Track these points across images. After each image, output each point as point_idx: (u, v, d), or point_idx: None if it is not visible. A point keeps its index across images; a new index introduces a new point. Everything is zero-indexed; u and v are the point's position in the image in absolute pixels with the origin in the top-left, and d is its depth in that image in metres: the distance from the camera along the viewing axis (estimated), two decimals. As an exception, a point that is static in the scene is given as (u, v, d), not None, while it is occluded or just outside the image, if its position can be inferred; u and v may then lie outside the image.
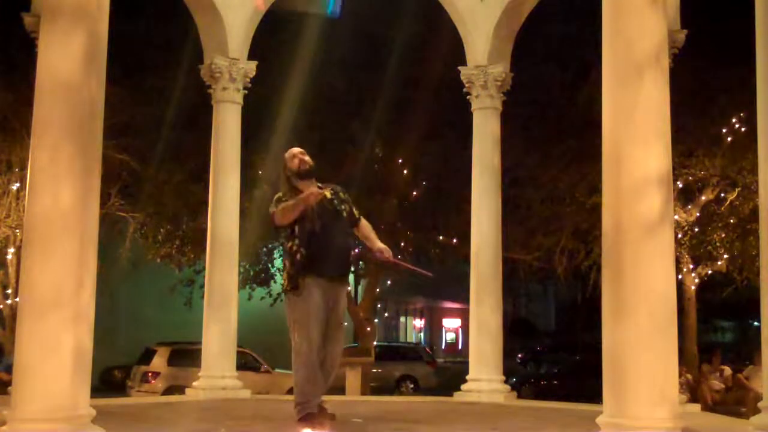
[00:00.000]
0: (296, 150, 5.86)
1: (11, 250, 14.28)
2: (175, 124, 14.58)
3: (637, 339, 4.34)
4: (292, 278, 5.65)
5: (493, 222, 8.55)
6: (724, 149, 15.01)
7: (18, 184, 13.50)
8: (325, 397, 6.04)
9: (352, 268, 5.59)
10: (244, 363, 14.61)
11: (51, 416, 4.13)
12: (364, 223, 5.98)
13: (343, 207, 5.80)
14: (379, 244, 5.83)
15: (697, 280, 16.80)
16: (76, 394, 4.21)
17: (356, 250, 5.39)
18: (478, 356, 8.43)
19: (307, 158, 5.79)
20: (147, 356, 16.89)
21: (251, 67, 8.64)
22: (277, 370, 17.12)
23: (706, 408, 12.32)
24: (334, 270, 5.68)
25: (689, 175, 15.25)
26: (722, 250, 16.01)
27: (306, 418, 5.59)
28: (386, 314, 36.56)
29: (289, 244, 5.69)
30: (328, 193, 5.76)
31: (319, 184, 5.77)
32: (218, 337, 8.30)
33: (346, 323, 5.99)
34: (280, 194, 5.79)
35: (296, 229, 5.64)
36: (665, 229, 4.44)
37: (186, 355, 15.03)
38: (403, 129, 15.46)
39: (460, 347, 37.62)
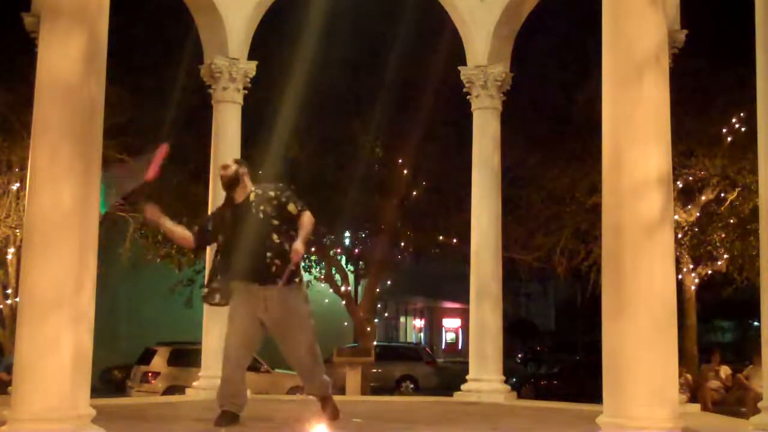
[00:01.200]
0: (220, 166, 5.95)
1: (11, 250, 14.28)
2: (175, 124, 14.58)
3: (637, 339, 4.34)
4: (206, 288, 5.81)
5: (493, 222, 8.55)
6: (724, 149, 15.01)
7: (18, 184, 13.50)
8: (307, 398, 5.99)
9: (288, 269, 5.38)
10: (244, 363, 14.57)
11: (51, 416, 4.12)
12: (302, 218, 5.69)
13: (261, 208, 5.65)
14: (296, 244, 5.54)
15: (697, 280, 16.80)
16: (76, 394, 4.21)
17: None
18: (478, 356, 8.43)
19: (225, 172, 5.80)
20: (147, 356, 16.88)
21: (251, 67, 8.64)
22: (277, 370, 17.12)
23: (706, 408, 12.32)
24: (248, 274, 5.60)
25: (689, 175, 15.25)
26: (722, 250, 16.02)
27: (217, 419, 5.75)
28: (386, 314, 36.54)
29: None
30: (252, 197, 5.73)
31: (254, 188, 5.77)
32: (218, 337, 8.27)
33: (305, 323, 5.80)
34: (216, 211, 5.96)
35: (219, 237, 5.77)
36: (665, 229, 4.44)
37: (186, 355, 15.02)
38: (403, 129, 15.46)
39: (460, 347, 37.57)
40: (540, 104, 15.56)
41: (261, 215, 5.61)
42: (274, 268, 5.51)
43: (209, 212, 5.97)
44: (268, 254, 5.53)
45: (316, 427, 5.50)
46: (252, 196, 5.71)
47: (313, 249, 17.45)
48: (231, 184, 5.76)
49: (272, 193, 5.72)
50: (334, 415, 5.82)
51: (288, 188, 5.91)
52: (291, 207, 5.69)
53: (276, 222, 5.61)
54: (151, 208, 5.74)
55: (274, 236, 5.57)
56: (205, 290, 5.80)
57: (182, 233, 5.85)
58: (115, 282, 16.32)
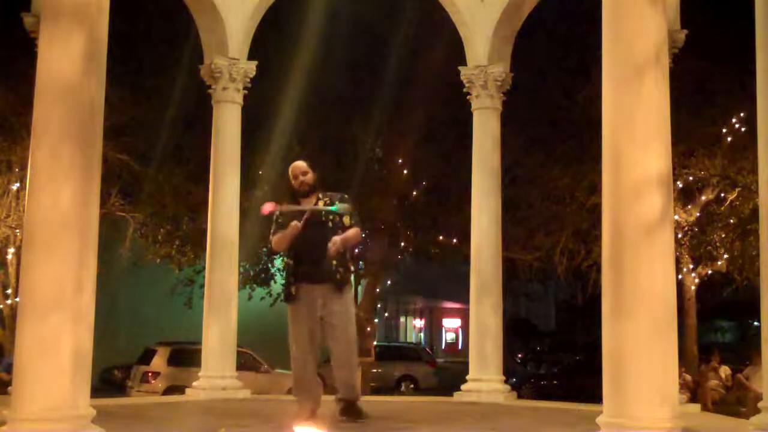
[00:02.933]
0: (299, 169, 6.09)
1: (11, 250, 14.29)
2: (175, 124, 14.58)
3: (637, 339, 4.34)
4: (285, 289, 6.08)
5: (493, 222, 8.55)
6: (724, 149, 15.02)
7: (18, 184, 13.51)
8: (324, 397, 6.11)
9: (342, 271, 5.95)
10: (244, 363, 14.57)
11: (51, 416, 4.12)
12: (351, 229, 6.06)
13: (330, 217, 6.00)
14: (335, 237, 5.89)
15: (697, 280, 16.81)
16: (76, 394, 4.21)
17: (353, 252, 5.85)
18: (478, 356, 8.43)
19: (306, 178, 6.05)
20: (147, 356, 16.86)
21: (251, 67, 8.64)
22: (277, 370, 17.10)
23: (706, 408, 12.33)
24: (319, 277, 5.91)
25: (689, 175, 15.25)
26: (722, 250, 16.02)
27: (294, 416, 5.86)
28: (386, 314, 36.54)
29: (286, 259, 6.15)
30: (321, 205, 6.02)
31: (320, 195, 6.07)
32: (218, 337, 8.30)
33: (353, 324, 6.17)
34: (278, 214, 6.06)
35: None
36: (665, 229, 4.44)
37: (186, 355, 15.00)
38: (403, 129, 15.47)
39: (460, 347, 37.59)
40: (540, 104, 15.55)
41: (330, 224, 5.99)
42: (338, 275, 5.95)
43: (276, 216, 6.09)
44: (334, 262, 5.93)
45: (315, 427, 5.52)
46: (321, 204, 6.04)
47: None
48: (311, 190, 6.05)
49: (339, 204, 6.04)
50: (358, 414, 6.06)
51: (350, 201, 6.18)
52: (346, 219, 6.06)
53: (340, 231, 5.99)
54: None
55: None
56: (287, 291, 6.03)
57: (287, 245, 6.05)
58: (115, 282, 16.30)
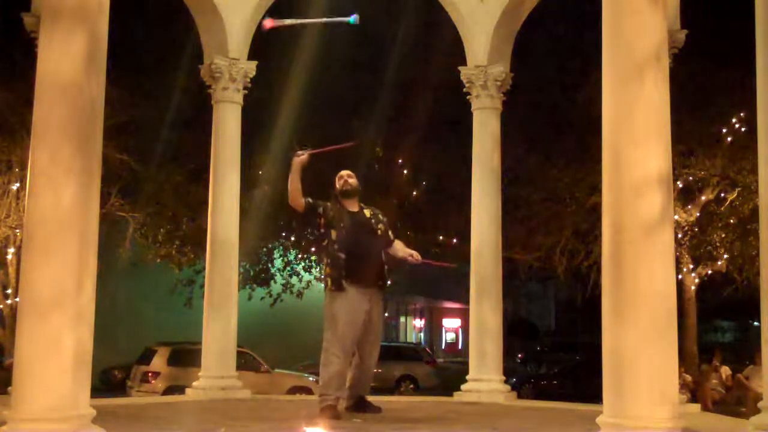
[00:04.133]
0: (345, 172, 6.51)
1: (11, 250, 14.30)
2: (175, 124, 14.60)
3: (637, 339, 4.34)
4: (335, 280, 6.20)
5: (493, 222, 8.55)
6: (724, 149, 15.03)
7: (18, 184, 13.52)
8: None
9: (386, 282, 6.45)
10: (244, 363, 14.58)
11: (51, 416, 4.12)
12: (396, 243, 6.65)
13: (380, 226, 6.47)
14: (407, 250, 6.56)
15: (697, 280, 16.81)
16: (76, 394, 4.21)
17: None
18: (478, 356, 8.43)
19: (351, 180, 6.45)
20: (147, 356, 16.86)
21: (251, 67, 8.63)
22: (277, 370, 17.11)
23: (706, 408, 12.34)
24: (369, 280, 6.29)
25: (689, 175, 15.27)
26: (722, 250, 16.03)
27: (325, 410, 6.04)
28: (386, 314, 36.52)
29: (327, 245, 6.32)
30: (367, 214, 6.48)
31: (362, 204, 6.52)
32: (218, 337, 8.30)
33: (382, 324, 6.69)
34: (328, 203, 6.45)
35: (332, 233, 6.29)
36: (665, 229, 4.43)
37: (186, 355, 15.00)
38: (404, 129, 15.48)
39: (460, 347, 37.58)
40: (540, 104, 15.57)
41: (380, 232, 6.46)
42: (386, 277, 6.44)
43: (318, 201, 6.44)
44: (386, 266, 6.46)
45: (315, 427, 5.53)
46: (368, 213, 6.51)
47: (313, 249, 17.45)
48: (355, 193, 6.45)
49: (381, 217, 6.58)
50: (377, 408, 6.46)
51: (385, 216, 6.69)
52: (390, 233, 6.59)
53: (384, 240, 6.50)
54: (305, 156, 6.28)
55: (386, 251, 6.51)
56: (339, 283, 6.20)
57: (299, 192, 6.28)
58: (115, 282, 16.31)
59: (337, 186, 6.47)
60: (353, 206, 6.43)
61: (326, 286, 6.29)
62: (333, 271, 6.22)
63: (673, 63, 6.64)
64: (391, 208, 15.69)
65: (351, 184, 6.43)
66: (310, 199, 6.37)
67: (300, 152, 6.34)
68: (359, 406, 6.42)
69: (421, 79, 14.73)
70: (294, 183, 6.27)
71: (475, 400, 8.06)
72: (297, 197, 6.28)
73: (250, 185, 13.34)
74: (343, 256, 6.21)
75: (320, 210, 6.35)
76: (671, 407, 4.33)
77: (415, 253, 6.53)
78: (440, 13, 9.24)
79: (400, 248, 6.62)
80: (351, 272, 6.18)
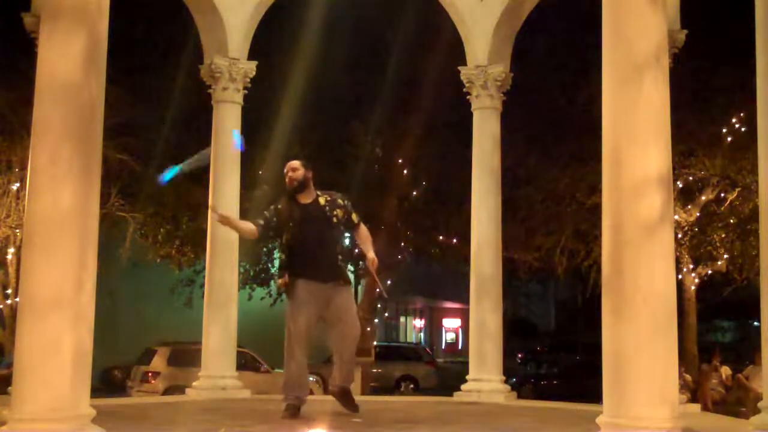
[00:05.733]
0: (289, 166, 6.20)
1: (11, 250, 14.30)
2: (175, 124, 14.59)
3: (637, 339, 4.34)
4: (282, 277, 6.13)
5: (493, 222, 8.55)
6: (724, 149, 15.02)
7: (18, 184, 13.51)
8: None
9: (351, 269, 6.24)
10: (244, 363, 14.60)
11: (51, 416, 4.12)
12: (362, 230, 6.31)
13: (335, 213, 6.11)
14: (370, 254, 6.13)
15: (697, 280, 16.81)
16: (76, 394, 4.21)
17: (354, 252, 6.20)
18: (478, 356, 8.43)
19: (294, 174, 6.12)
20: (147, 356, 16.87)
21: (251, 67, 8.64)
22: (277, 370, 17.06)
23: (706, 408, 12.33)
24: (316, 273, 6.01)
25: (689, 175, 15.26)
26: (722, 250, 16.03)
27: (285, 410, 6.06)
28: (386, 314, 36.53)
29: (279, 244, 6.28)
30: (322, 201, 6.12)
31: (318, 192, 6.18)
32: (218, 337, 8.30)
33: (356, 318, 6.32)
34: (278, 204, 6.23)
35: (283, 232, 6.14)
36: (665, 229, 4.43)
37: (186, 355, 15.01)
38: (404, 129, 15.46)
39: (460, 347, 37.60)
40: (540, 104, 15.55)
41: (335, 219, 6.09)
42: (341, 270, 6.10)
43: (271, 207, 6.27)
44: (340, 257, 6.11)
45: (315, 427, 5.53)
46: (322, 201, 6.14)
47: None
48: (301, 186, 6.10)
49: (341, 201, 6.18)
50: (355, 407, 6.27)
51: (348, 200, 6.32)
52: (354, 216, 6.22)
53: (343, 227, 6.19)
54: (222, 212, 6.20)
55: (343, 240, 6.19)
56: (281, 282, 6.12)
57: (247, 228, 6.20)
58: (115, 282, 16.30)
59: (286, 184, 6.24)
60: (307, 197, 6.14)
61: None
62: (280, 271, 6.18)
63: (673, 63, 6.64)
64: (391, 208, 15.70)
65: (295, 179, 6.12)
66: (259, 221, 6.18)
67: (214, 213, 6.30)
68: (341, 395, 6.27)
69: (421, 78, 14.72)
70: (236, 229, 6.31)
71: (475, 400, 8.06)
72: (247, 233, 6.21)
73: (250, 185, 13.33)
74: (284, 257, 6.13)
75: (273, 222, 6.15)
76: (671, 407, 4.33)
77: (373, 262, 6.08)
78: (440, 13, 9.24)
79: (365, 243, 6.27)
80: (296, 268, 6.01)
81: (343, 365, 6.21)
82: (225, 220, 6.05)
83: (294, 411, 6.06)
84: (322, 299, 6.04)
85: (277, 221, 6.13)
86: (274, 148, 13.66)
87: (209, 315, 8.35)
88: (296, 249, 6.03)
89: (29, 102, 4.68)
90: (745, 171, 14.42)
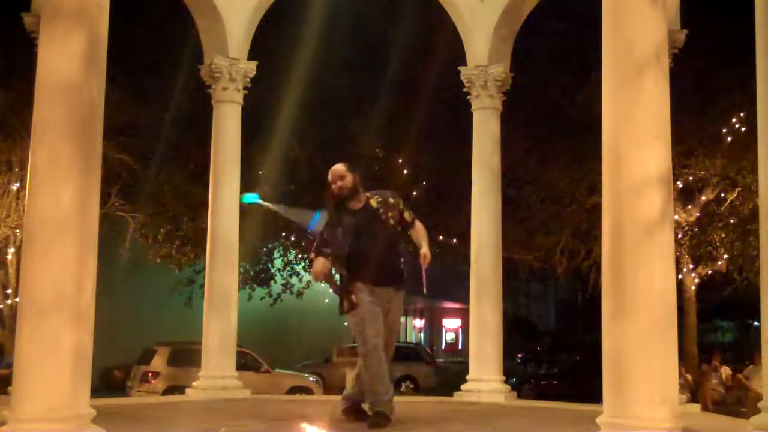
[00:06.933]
0: (335, 174, 5.78)
1: (11, 250, 14.31)
2: (175, 124, 14.60)
3: (637, 339, 4.33)
4: (342, 301, 5.70)
5: (493, 222, 8.55)
6: (724, 149, 15.02)
7: (18, 184, 13.52)
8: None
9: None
10: (244, 363, 14.60)
11: (51, 416, 4.12)
12: (417, 226, 5.95)
13: (390, 215, 5.79)
14: (424, 249, 5.77)
15: (697, 280, 16.81)
16: (76, 394, 4.21)
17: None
18: (478, 356, 8.43)
19: (344, 182, 5.74)
20: (147, 356, 16.88)
21: (251, 67, 8.63)
22: (277, 370, 17.12)
23: (706, 408, 12.33)
24: (378, 278, 5.68)
25: (689, 175, 15.27)
26: (722, 250, 16.04)
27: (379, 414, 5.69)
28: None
29: (338, 269, 5.77)
30: (374, 204, 5.77)
31: (368, 194, 5.83)
32: (218, 337, 8.30)
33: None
34: (328, 218, 5.80)
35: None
36: (665, 229, 4.43)
37: (186, 355, 15.01)
38: (404, 129, 15.47)
39: (460, 347, 37.56)
40: (540, 104, 15.57)
41: (391, 221, 5.77)
42: (402, 274, 5.82)
43: (326, 228, 5.78)
44: (402, 259, 5.83)
45: (315, 427, 5.52)
46: (374, 203, 5.79)
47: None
48: (351, 194, 5.73)
49: (392, 200, 5.86)
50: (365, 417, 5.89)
51: (398, 196, 5.98)
52: (407, 215, 5.88)
53: (399, 228, 5.84)
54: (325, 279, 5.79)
55: (401, 242, 5.87)
56: (346, 304, 5.67)
57: (329, 266, 5.74)
58: (115, 282, 16.31)
59: (333, 192, 5.78)
60: (357, 203, 5.75)
61: (342, 308, 5.75)
62: (342, 292, 5.71)
63: (673, 63, 6.64)
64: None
65: (345, 188, 5.73)
66: (324, 250, 5.70)
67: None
68: (355, 411, 6.02)
69: (421, 78, 14.72)
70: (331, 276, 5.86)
71: (475, 400, 8.06)
72: (325, 269, 5.72)
73: (250, 185, 13.33)
74: (345, 272, 5.68)
75: (339, 238, 5.68)
76: (671, 407, 4.33)
77: (425, 257, 5.73)
78: (440, 13, 9.24)
79: (420, 240, 5.88)
80: (360, 279, 5.63)
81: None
82: (327, 279, 5.76)
83: (385, 417, 5.69)
84: (385, 302, 5.76)
85: (337, 239, 5.67)
86: (274, 148, 13.68)
87: (209, 315, 8.34)
88: (356, 260, 5.64)
89: (29, 102, 4.68)
90: (745, 171, 14.43)
